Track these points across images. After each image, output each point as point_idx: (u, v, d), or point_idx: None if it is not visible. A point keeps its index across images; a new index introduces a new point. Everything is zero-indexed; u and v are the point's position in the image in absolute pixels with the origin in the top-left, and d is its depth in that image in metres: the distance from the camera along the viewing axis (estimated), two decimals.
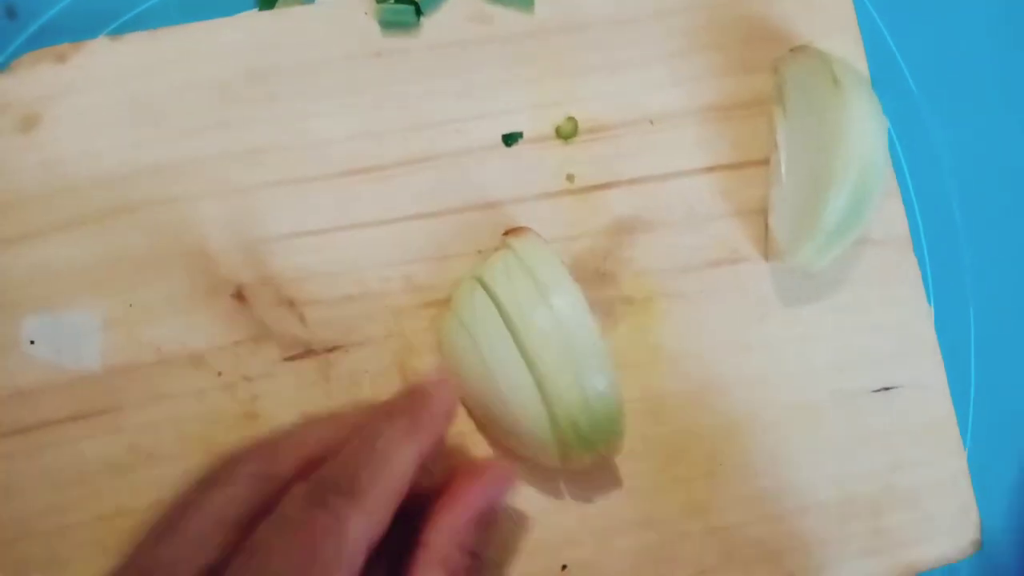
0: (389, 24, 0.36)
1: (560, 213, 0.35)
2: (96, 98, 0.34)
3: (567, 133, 0.36)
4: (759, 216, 0.36)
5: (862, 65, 0.37)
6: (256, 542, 0.23)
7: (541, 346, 0.29)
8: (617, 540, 0.33)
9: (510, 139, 0.35)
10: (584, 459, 0.30)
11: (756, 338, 0.35)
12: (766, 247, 0.36)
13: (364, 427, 0.26)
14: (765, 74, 0.37)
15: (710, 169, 0.36)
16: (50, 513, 0.31)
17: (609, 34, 0.36)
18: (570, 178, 0.36)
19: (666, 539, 0.33)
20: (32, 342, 0.32)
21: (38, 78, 0.34)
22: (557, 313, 0.29)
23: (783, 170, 0.35)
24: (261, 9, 0.36)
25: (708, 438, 0.34)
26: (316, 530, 0.23)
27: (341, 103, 0.35)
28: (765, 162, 0.36)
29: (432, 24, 0.36)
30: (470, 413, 0.33)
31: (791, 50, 0.36)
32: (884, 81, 0.39)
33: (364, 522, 0.24)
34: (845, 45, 0.37)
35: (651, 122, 0.36)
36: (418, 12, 0.36)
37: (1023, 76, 0.40)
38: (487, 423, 0.33)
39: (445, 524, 0.27)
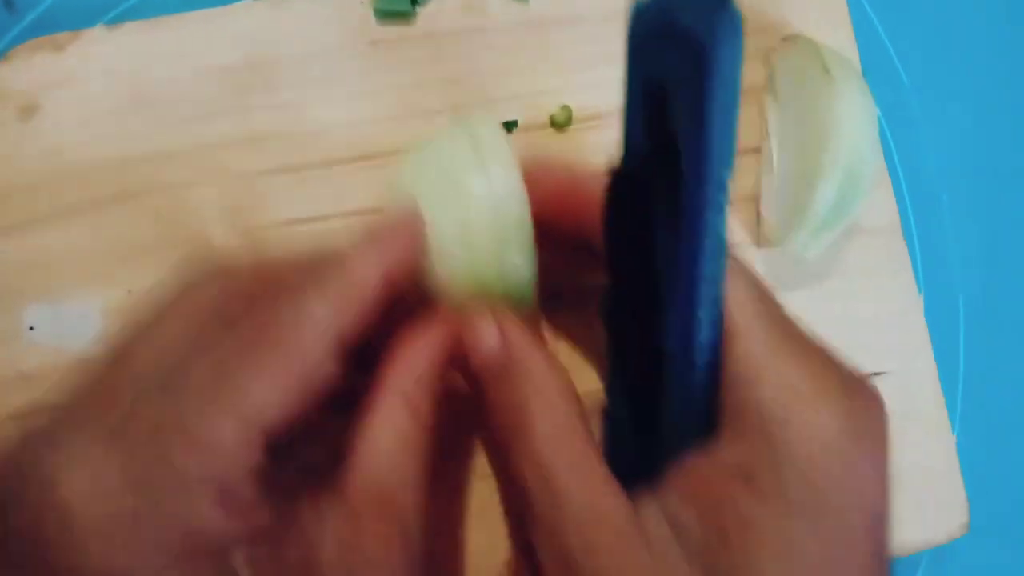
0: (385, 14, 0.36)
1: None
2: (94, 86, 0.34)
3: (562, 122, 0.36)
4: (750, 204, 0.36)
5: (853, 55, 0.37)
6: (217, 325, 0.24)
7: (473, 209, 0.28)
8: None
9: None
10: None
11: None
12: (757, 235, 0.36)
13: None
14: (757, 63, 0.37)
15: None
16: None
17: (603, 24, 0.37)
18: None
19: None
20: (32, 328, 0.33)
21: (36, 67, 0.34)
22: (492, 181, 0.28)
23: (774, 158, 0.36)
24: None
25: None
26: (277, 306, 0.24)
27: (338, 91, 0.35)
28: (756, 150, 0.37)
29: (427, 14, 0.36)
30: None
31: (782, 40, 0.36)
32: (875, 71, 0.39)
33: (327, 305, 0.24)
34: (836, 35, 0.37)
35: None
36: (413, 2, 0.36)
37: (1014, 67, 0.41)
38: None
39: (402, 362, 0.26)
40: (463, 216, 0.28)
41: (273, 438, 0.23)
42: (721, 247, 0.23)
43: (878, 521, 0.23)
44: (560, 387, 0.26)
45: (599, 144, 0.36)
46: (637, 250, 0.24)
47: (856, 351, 0.35)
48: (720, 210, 0.22)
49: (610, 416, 0.28)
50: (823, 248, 0.34)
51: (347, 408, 0.26)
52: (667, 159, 0.22)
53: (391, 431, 0.25)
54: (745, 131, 0.37)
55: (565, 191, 0.28)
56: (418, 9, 0.36)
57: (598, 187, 0.26)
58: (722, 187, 0.21)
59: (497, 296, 0.29)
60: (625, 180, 0.25)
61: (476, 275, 0.28)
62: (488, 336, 0.26)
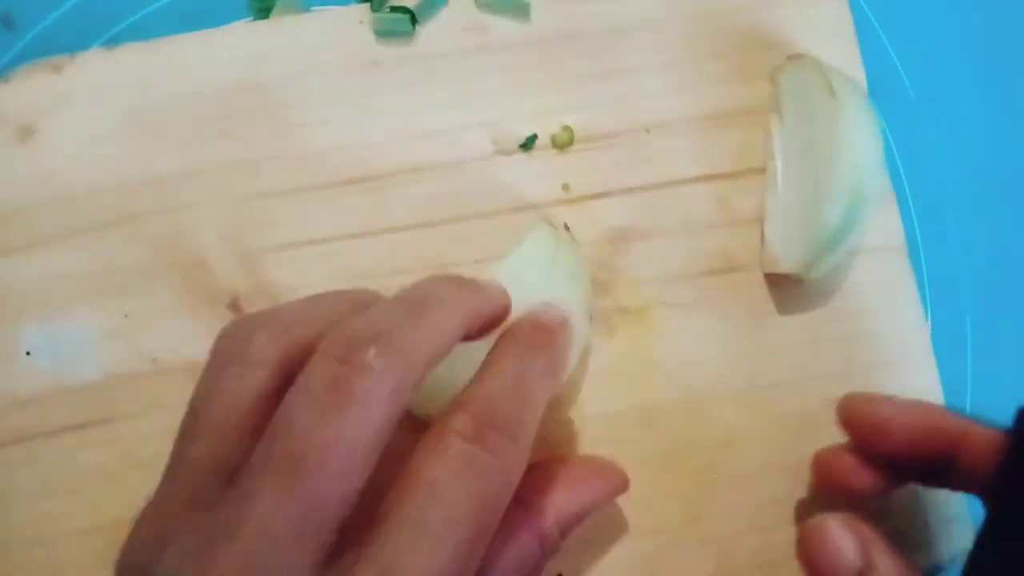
0: (384, 33, 0.36)
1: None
2: (92, 109, 0.34)
3: (563, 142, 0.36)
4: (755, 225, 0.36)
5: (859, 74, 0.37)
6: (431, 482, 0.21)
7: None
8: (612, 550, 0.33)
9: (528, 143, 0.36)
10: None
11: (752, 347, 0.35)
12: (762, 256, 0.36)
13: (505, 357, 0.25)
14: (762, 83, 0.37)
15: (706, 178, 0.36)
16: (47, 522, 0.32)
17: (605, 43, 0.36)
18: (566, 187, 0.36)
19: (661, 549, 0.33)
20: (28, 352, 0.33)
21: (34, 89, 0.34)
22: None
23: (779, 179, 0.35)
24: (256, 19, 0.36)
25: (704, 447, 0.34)
26: (493, 479, 0.22)
27: (337, 112, 0.35)
28: (761, 171, 0.36)
29: (428, 33, 0.36)
30: None
31: (787, 58, 0.36)
32: (883, 89, 0.38)
33: (522, 466, 0.23)
34: (842, 54, 0.37)
35: (647, 131, 0.36)
36: (413, 21, 0.36)
37: (1023, 83, 0.40)
38: None
39: (558, 500, 0.27)
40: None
41: None
42: None
43: None
44: None
45: (601, 164, 0.36)
46: None
47: (861, 373, 0.35)
48: None
49: None
50: (829, 269, 0.34)
51: None
52: None
53: (517, 563, 0.26)
54: (750, 151, 0.36)
55: (949, 433, 0.28)
56: (418, 28, 0.36)
57: (978, 433, 0.28)
58: None
59: None
60: None
61: None
62: None
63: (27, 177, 0.34)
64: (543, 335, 0.26)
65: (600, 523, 0.33)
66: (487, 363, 0.25)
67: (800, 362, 0.35)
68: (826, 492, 0.33)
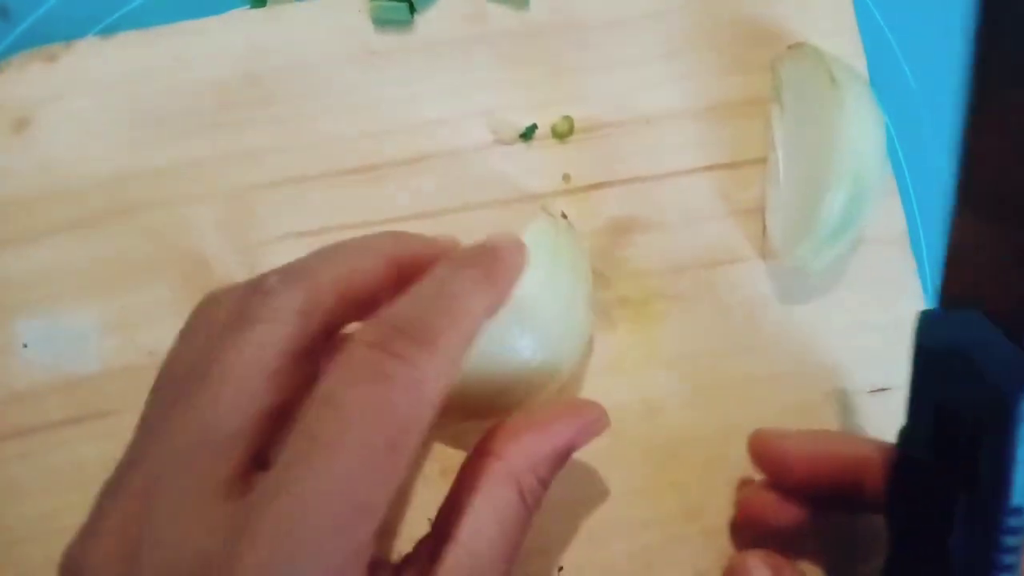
0: (382, 22, 0.35)
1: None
2: (88, 100, 0.34)
3: (563, 132, 0.35)
4: (756, 216, 0.36)
5: (860, 63, 0.37)
6: (327, 393, 0.20)
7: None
8: (613, 543, 0.33)
9: (528, 132, 0.35)
10: None
11: (753, 338, 0.35)
12: (763, 247, 0.35)
13: (430, 268, 0.24)
14: (762, 73, 0.36)
15: (707, 169, 0.36)
16: (48, 516, 0.32)
17: (605, 33, 0.36)
18: (566, 178, 0.35)
19: (662, 541, 0.33)
20: (25, 345, 0.32)
21: (29, 79, 0.34)
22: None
23: (780, 169, 0.35)
24: (253, 7, 0.36)
25: (704, 440, 0.34)
26: (394, 383, 0.20)
27: (335, 102, 0.35)
28: (762, 161, 0.36)
29: (426, 22, 0.36)
30: None
31: (788, 48, 0.35)
32: (885, 79, 0.38)
33: (441, 375, 0.21)
34: (844, 44, 0.36)
35: (648, 121, 0.36)
36: (412, 10, 0.35)
37: None
38: None
39: (529, 443, 0.25)
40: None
41: None
42: (1015, 565, 0.23)
43: None
44: None
45: (601, 155, 0.35)
46: (925, 527, 0.25)
47: (863, 365, 0.35)
48: (1017, 533, 0.23)
49: None
50: (830, 260, 0.34)
51: None
52: (961, 471, 0.24)
53: (495, 516, 0.24)
54: (751, 142, 0.36)
55: (849, 460, 0.28)
56: (416, 17, 0.36)
57: (876, 456, 0.27)
58: (1020, 515, 0.23)
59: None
60: (913, 464, 0.26)
61: None
62: None
63: (23, 168, 0.33)
64: (482, 253, 0.25)
65: (600, 516, 0.33)
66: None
67: (802, 353, 0.35)
68: (748, 530, 0.32)
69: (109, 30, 0.35)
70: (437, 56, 0.35)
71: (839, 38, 0.37)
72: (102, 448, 0.32)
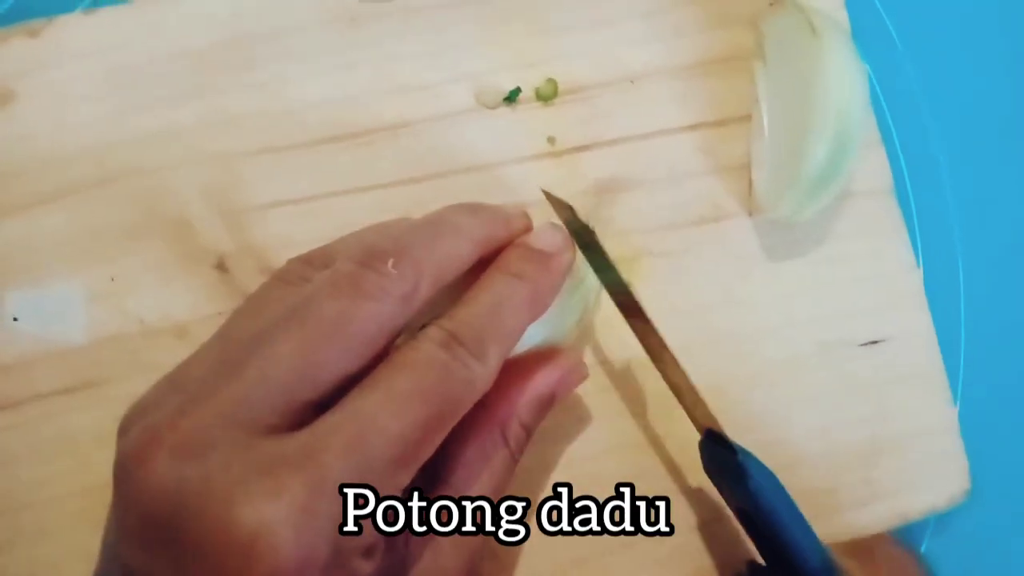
0: None
1: (542, 176, 0.35)
2: (71, 71, 0.34)
3: (547, 95, 0.35)
4: (742, 172, 0.36)
5: (842, 15, 0.37)
6: (397, 363, 0.23)
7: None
8: (602, 497, 0.33)
9: (512, 96, 0.35)
10: None
11: (742, 294, 0.35)
12: (750, 203, 0.35)
13: (490, 284, 0.27)
14: (745, 29, 0.36)
15: (692, 127, 0.36)
16: (39, 485, 0.32)
17: None
18: (551, 140, 0.35)
19: (652, 495, 0.33)
20: (15, 318, 0.32)
21: (11, 54, 0.34)
22: None
23: (765, 125, 0.35)
24: None
25: None
26: (454, 375, 0.24)
27: (318, 68, 0.35)
28: (747, 118, 0.36)
29: None
30: None
31: (770, 3, 0.36)
32: (866, 32, 0.38)
33: (488, 379, 0.25)
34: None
35: (631, 81, 0.36)
36: None
37: (1012, 23, 0.40)
38: None
39: (513, 394, 0.28)
40: None
41: None
42: None
43: None
44: None
45: (585, 116, 0.35)
46: None
47: (852, 317, 0.35)
48: None
49: None
50: (816, 211, 0.33)
51: None
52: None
53: (481, 459, 0.27)
54: (735, 98, 0.36)
55: None
56: None
57: None
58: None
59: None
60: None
61: None
62: None
63: (7, 141, 0.33)
64: (533, 264, 0.28)
65: (591, 471, 0.33)
66: (475, 287, 0.27)
67: (790, 308, 0.35)
68: None
69: (92, 7, 0.35)
70: (417, 20, 0.35)
71: None
72: (93, 417, 0.32)
